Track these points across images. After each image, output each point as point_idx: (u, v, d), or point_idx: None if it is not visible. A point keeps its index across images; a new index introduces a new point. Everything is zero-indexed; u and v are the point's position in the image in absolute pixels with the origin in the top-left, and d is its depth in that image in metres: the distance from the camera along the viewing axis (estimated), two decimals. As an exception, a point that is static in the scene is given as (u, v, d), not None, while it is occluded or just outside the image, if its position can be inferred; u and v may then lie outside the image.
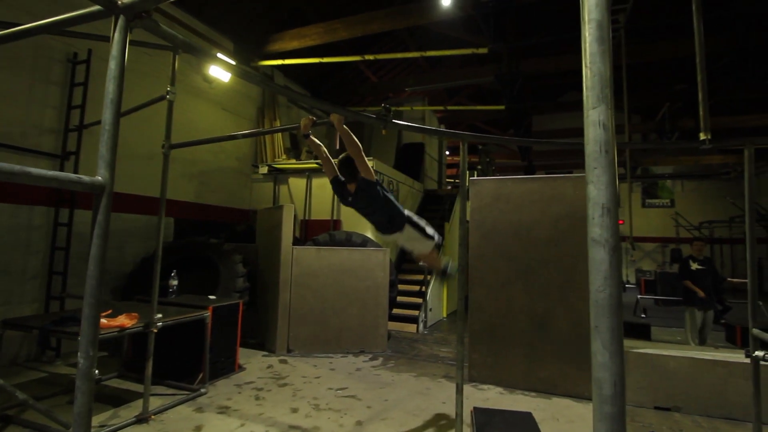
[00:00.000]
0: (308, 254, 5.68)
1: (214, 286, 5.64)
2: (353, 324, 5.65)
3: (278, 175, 8.05)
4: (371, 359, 5.32)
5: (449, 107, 10.15)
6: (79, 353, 1.36)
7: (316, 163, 7.60)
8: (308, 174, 7.78)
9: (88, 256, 1.39)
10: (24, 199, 4.83)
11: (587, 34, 0.82)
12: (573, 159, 15.91)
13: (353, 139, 2.93)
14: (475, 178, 4.85)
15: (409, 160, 10.09)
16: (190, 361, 4.23)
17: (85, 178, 1.35)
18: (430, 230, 3.20)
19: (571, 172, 16.76)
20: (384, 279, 5.80)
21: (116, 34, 1.44)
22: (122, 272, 5.86)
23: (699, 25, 2.84)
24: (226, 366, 4.51)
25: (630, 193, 17.61)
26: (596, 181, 0.76)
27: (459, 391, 2.75)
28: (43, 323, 3.28)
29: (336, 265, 5.70)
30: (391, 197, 3.11)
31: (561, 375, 4.27)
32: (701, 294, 5.61)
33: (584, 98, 0.81)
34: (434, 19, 7.12)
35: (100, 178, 1.39)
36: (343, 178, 3.16)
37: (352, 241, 6.23)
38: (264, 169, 7.97)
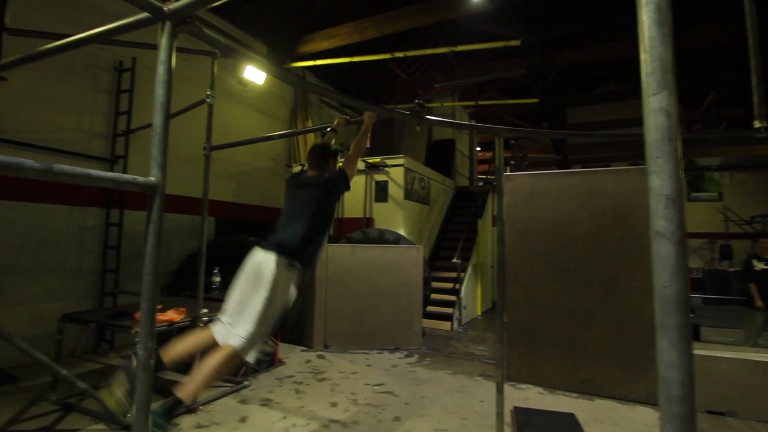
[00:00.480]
0: (342, 252, 5.75)
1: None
2: (388, 321, 5.68)
3: (311, 175, 8.19)
4: (406, 356, 5.33)
5: (480, 102, 9.98)
6: (138, 345, 1.43)
7: (348, 162, 7.67)
8: (340, 173, 7.86)
9: (137, 255, 1.48)
10: (77, 201, 5.15)
11: (645, 17, 0.79)
12: (610, 152, 15.29)
13: (367, 139, 2.88)
14: (510, 173, 4.75)
15: (440, 156, 10.00)
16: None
17: (140, 178, 1.42)
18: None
19: (609, 165, 16.13)
20: (418, 276, 5.79)
21: (164, 40, 1.51)
22: (168, 270, 6.14)
23: (751, 6, 2.67)
24: (267, 360, 4.64)
25: (674, 186, 16.78)
26: (659, 171, 0.73)
27: (499, 390, 2.71)
28: (99, 317, 3.49)
29: (370, 263, 5.74)
30: (326, 218, 2.53)
31: (604, 376, 4.12)
32: (759, 304, 5.26)
33: (643, 84, 0.78)
34: (464, 13, 7.02)
35: (153, 178, 1.46)
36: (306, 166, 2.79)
37: (385, 238, 6.25)
38: (297, 169, 8.11)
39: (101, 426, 3.22)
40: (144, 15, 1.52)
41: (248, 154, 7.71)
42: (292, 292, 2.51)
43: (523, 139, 12.17)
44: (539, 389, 4.28)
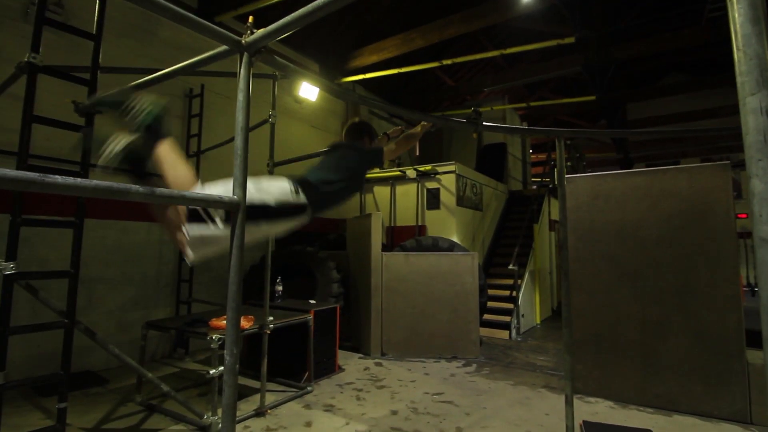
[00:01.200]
0: (397, 260, 5.80)
1: (312, 292, 6.02)
2: (444, 329, 5.64)
3: (364, 184, 8.36)
4: (464, 365, 5.25)
5: (532, 103, 9.70)
6: (225, 351, 1.53)
7: (399, 171, 7.76)
8: (392, 182, 7.96)
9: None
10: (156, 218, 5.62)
11: (736, 15, 0.77)
12: (677, 147, 14.22)
13: (416, 147, 2.83)
14: (570, 176, 4.58)
15: (491, 161, 9.83)
16: (297, 361, 4.56)
17: (225, 197, 1.55)
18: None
19: (677, 162, 14.99)
20: (473, 284, 5.71)
21: (242, 70, 1.64)
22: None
23: None
24: (328, 366, 4.77)
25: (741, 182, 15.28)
26: (761, 174, 0.70)
27: (569, 403, 2.60)
28: (179, 325, 3.79)
29: (424, 271, 5.74)
30: (348, 172, 2.30)
31: (683, 391, 3.81)
32: None
33: (739, 84, 0.75)
34: (512, 16, 6.90)
35: (236, 197, 1.59)
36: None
37: (439, 246, 6.23)
38: (350, 180, 8.33)
39: (182, 426, 3.47)
40: (224, 48, 1.67)
41: (304, 168, 8.01)
42: (279, 227, 2.08)
43: (581, 139, 11.64)
44: (609, 403, 4.04)
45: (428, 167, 7.52)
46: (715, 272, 3.77)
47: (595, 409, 3.91)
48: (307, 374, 4.34)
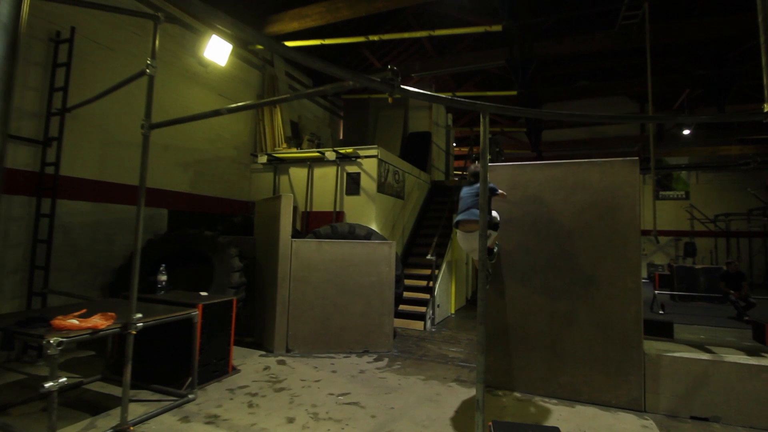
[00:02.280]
0: (308, 247, 5.29)
1: (209, 282, 5.28)
2: (357, 322, 5.27)
3: (278, 165, 7.66)
4: (376, 360, 4.95)
5: (458, 93, 9.67)
6: None
7: (318, 152, 7.21)
8: (309, 163, 7.38)
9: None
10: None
11: None
12: (585, 149, 15.39)
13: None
14: (492, 164, 4.42)
15: (416, 149, 9.65)
16: (179, 363, 3.87)
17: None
18: None
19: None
20: (389, 274, 5.41)
21: None
22: (111, 267, 5.52)
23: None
24: (219, 368, 4.15)
25: (642, 185, 17.15)
26: None
27: (479, 408, 2.34)
28: (8, 324, 2.92)
29: (338, 260, 5.31)
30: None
31: (585, 381, 3.86)
32: None
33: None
34: (443, -3, 6.65)
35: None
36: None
37: (356, 233, 5.84)
38: (263, 159, 7.58)
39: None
40: None
41: (208, 142, 7.11)
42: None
43: (499, 134, 11.98)
44: (517, 395, 3.98)
45: (349, 150, 7.07)
46: (620, 266, 3.83)
47: (504, 402, 3.82)
48: (190, 379, 3.69)
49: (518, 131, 12.07)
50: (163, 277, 4.37)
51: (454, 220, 3.82)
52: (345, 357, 5.03)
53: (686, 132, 10.90)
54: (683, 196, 16.10)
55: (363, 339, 5.27)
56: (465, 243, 3.83)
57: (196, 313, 3.67)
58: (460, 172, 12.51)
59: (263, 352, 5.10)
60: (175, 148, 6.48)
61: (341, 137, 10.85)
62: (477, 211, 3.51)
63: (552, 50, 7.69)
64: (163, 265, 4.43)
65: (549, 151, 15.26)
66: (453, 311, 8.08)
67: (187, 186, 6.71)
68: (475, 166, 3.91)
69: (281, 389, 3.91)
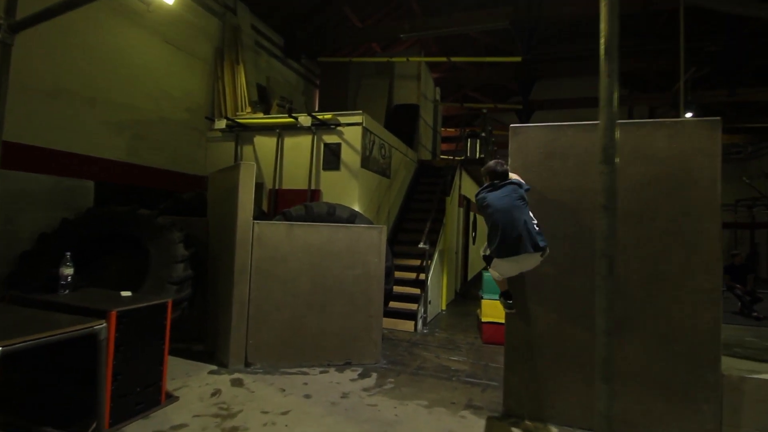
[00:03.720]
0: (276, 232, 4.12)
1: (144, 276, 4.05)
2: (337, 326, 4.18)
3: (241, 133, 6.36)
4: (361, 376, 3.89)
5: (453, 58, 8.56)
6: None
7: (291, 118, 5.96)
8: (279, 131, 6.13)
9: None
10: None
11: None
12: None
13: None
14: (519, 125, 3.37)
15: (402, 123, 8.52)
16: (84, 397, 2.68)
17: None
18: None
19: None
20: (379, 266, 4.33)
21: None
22: (11, 253, 4.17)
23: None
24: (145, 398, 2.96)
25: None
26: None
27: None
28: None
29: (315, 248, 4.17)
30: None
31: (641, 410, 2.94)
32: None
33: None
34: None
35: None
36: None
37: (336, 215, 4.70)
38: (222, 124, 6.26)
39: None
40: None
41: (151, 99, 5.72)
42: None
43: (489, 117, 10.98)
44: (553, 428, 3.02)
45: (328, 116, 5.87)
46: (692, 260, 2.90)
47: (536, 440, 2.85)
48: (94, 424, 2.50)
49: (512, 108, 11.15)
50: (68, 271, 3.10)
51: (504, 250, 2.84)
52: (322, 372, 3.94)
53: (689, 115, 10.31)
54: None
55: (345, 348, 4.20)
56: (516, 267, 2.97)
57: (103, 326, 2.47)
58: (450, 157, 11.50)
59: (215, 367, 3.94)
60: (106, 103, 5.09)
61: (317, 108, 9.57)
62: (541, 239, 2.79)
63: (564, 10, 6.68)
64: (68, 253, 3.15)
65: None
66: (444, 307, 7.13)
67: (122, 153, 5.34)
68: (496, 162, 3.05)
69: (233, 429, 2.79)
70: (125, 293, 3.20)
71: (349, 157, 5.82)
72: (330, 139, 5.92)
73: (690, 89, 9.91)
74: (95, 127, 5.00)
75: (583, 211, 3.15)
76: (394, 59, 8.56)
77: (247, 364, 3.97)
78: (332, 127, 5.87)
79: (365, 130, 5.90)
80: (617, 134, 2.38)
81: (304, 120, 5.78)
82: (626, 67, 9.96)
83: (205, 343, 4.50)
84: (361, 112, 5.89)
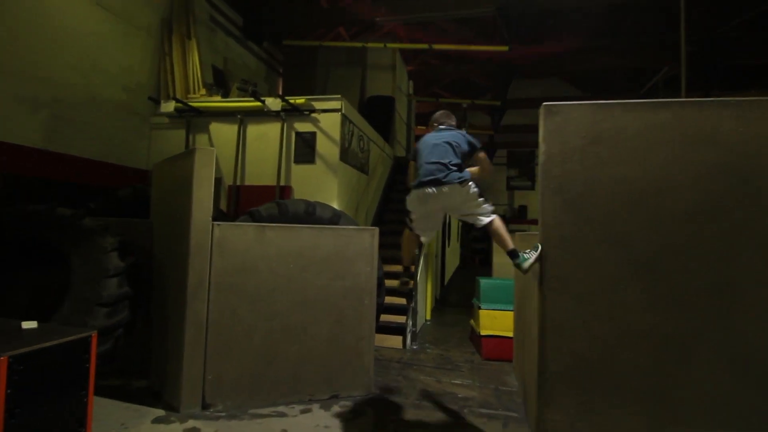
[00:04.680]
0: (242, 236, 3.26)
1: (64, 296, 3.04)
2: (321, 352, 3.38)
3: (193, 119, 5.36)
4: (354, 414, 3.12)
5: (435, 45, 7.97)
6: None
7: (256, 101, 5.06)
8: (241, 118, 5.21)
9: None
10: None
11: None
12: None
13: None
14: (554, 103, 2.77)
15: (377, 117, 7.77)
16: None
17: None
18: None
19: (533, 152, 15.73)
20: (371, 276, 3.58)
21: None
22: None
23: None
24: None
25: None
26: None
27: None
28: None
29: (293, 255, 3.35)
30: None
31: (712, 449, 2.40)
32: None
33: None
34: None
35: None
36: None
37: (317, 215, 3.89)
38: (169, 107, 5.23)
39: None
40: None
41: (80, 74, 4.62)
42: None
43: (468, 110, 10.52)
44: (604, 478, 2.42)
45: (301, 100, 5.04)
46: (770, 264, 2.41)
47: (593, 499, 2.22)
48: None
49: (488, 104, 10.79)
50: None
51: (414, 182, 2.80)
52: (304, 412, 3.13)
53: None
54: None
55: (330, 378, 3.40)
56: (432, 204, 2.78)
57: (-27, 388, 1.54)
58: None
59: (161, 412, 3.01)
60: (14, 73, 3.97)
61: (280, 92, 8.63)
62: (456, 174, 2.68)
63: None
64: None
65: (505, 134, 14.34)
66: (428, 317, 6.47)
67: (38, 138, 4.21)
68: (442, 112, 3.06)
69: None
70: (28, 324, 2.24)
71: (326, 148, 5.02)
72: (303, 127, 5.09)
73: (662, 89, 10.00)
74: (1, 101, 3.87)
75: (634, 206, 2.58)
76: (369, 44, 7.83)
77: (204, 406, 3.07)
78: (306, 113, 5.04)
79: (344, 118, 5.12)
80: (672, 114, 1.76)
81: (273, 104, 4.92)
82: (594, 65, 9.88)
83: (150, 378, 3.53)
84: (339, 96, 5.12)
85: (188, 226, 3.09)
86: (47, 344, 1.98)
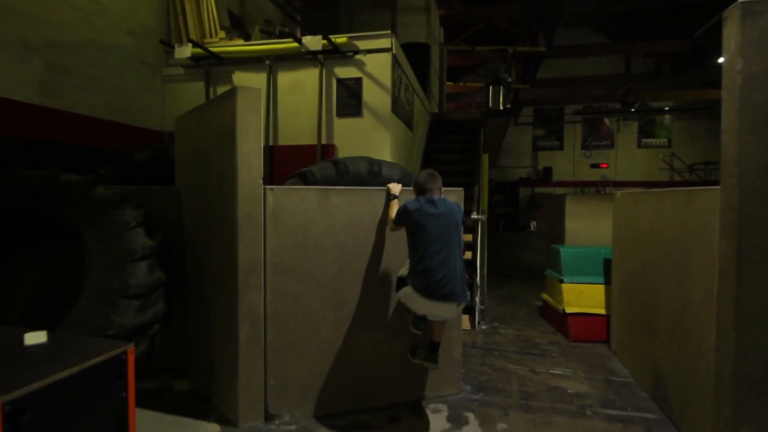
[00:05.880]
0: (301, 203, 2.52)
1: (79, 285, 2.37)
2: (401, 344, 2.71)
3: (213, 68, 4.51)
4: (454, 423, 2.48)
5: None
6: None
7: (290, 42, 4.20)
8: (270, 64, 4.35)
9: None
10: None
11: None
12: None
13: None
14: (758, -4, 1.92)
15: (411, 67, 6.85)
16: None
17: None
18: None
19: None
20: (459, 243, 2.85)
21: None
22: None
23: None
24: None
25: (617, 132, 15.97)
26: None
27: None
28: None
29: (365, 226, 2.62)
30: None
31: None
32: None
33: None
34: None
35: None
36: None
37: (384, 175, 3.09)
38: (185, 52, 4.37)
39: None
40: None
41: (77, 12, 3.76)
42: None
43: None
44: None
45: (342, 39, 4.17)
46: None
47: None
48: None
49: (536, 51, 9.70)
50: None
51: (426, 290, 2.20)
52: (391, 421, 2.50)
53: (721, 60, 9.25)
54: (666, 143, 15.13)
55: (413, 375, 2.75)
56: (431, 310, 2.30)
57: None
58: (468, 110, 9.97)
59: (215, 425, 2.38)
60: (2, 10, 3.14)
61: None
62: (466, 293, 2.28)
63: None
64: None
65: (534, 89, 13.25)
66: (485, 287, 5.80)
67: (31, 92, 3.42)
68: (427, 175, 2.40)
69: None
70: (34, 337, 1.54)
71: (375, 97, 4.19)
72: (346, 72, 4.23)
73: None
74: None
75: None
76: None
77: (268, 417, 2.45)
78: (349, 55, 4.18)
79: (395, 60, 4.25)
80: None
81: (312, 43, 4.05)
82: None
83: (192, 377, 2.91)
84: (389, 32, 4.23)
85: (233, 193, 2.36)
86: (62, 375, 1.29)
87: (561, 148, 15.99)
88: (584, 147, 15.76)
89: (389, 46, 4.17)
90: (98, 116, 3.95)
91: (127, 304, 2.29)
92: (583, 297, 4.01)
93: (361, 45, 4.21)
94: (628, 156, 15.54)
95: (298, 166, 3.86)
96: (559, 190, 16.75)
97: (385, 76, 4.16)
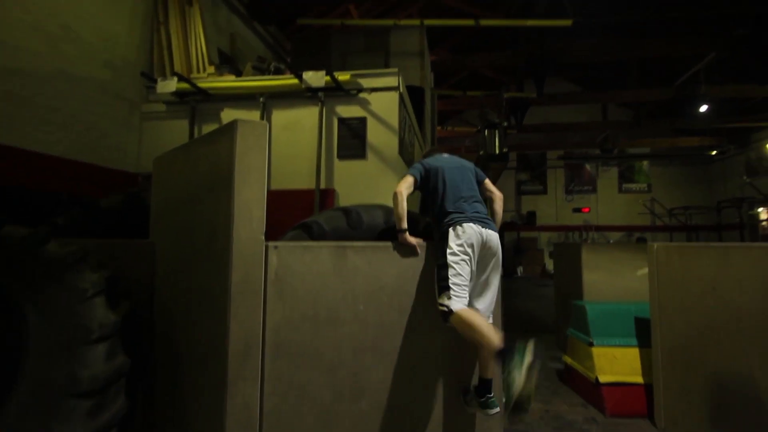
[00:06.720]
0: (312, 263, 2.02)
1: (12, 377, 1.75)
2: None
3: (200, 105, 4.08)
4: None
5: (482, 22, 6.84)
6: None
7: (288, 79, 3.85)
8: (264, 101, 3.96)
9: None
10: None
11: None
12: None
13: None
14: None
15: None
16: None
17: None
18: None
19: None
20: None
21: None
22: None
23: None
24: None
25: (597, 178, 16.27)
26: None
27: None
28: None
29: (390, 289, 2.13)
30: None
31: None
32: None
33: None
34: None
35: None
36: None
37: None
38: (170, 86, 3.91)
39: None
40: None
41: (46, 39, 3.31)
42: None
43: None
44: None
45: (346, 76, 3.85)
46: None
47: None
48: None
49: (525, 97, 9.80)
50: None
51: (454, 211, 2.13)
52: None
53: (703, 108, 9.53)
54: (645, 188, 15.45)
55: (450, 483, 2.16)
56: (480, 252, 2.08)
57: None
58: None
59: None
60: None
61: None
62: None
63: None
64: None
65: (519, 135, 13.42)
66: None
67: (-19, 126, 2.88)
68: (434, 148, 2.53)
69: None
70: None
71: (380, 138, 3.82)
72: (349, 111, 3.88)
73: (703, 78, 9.16)
74: None
75: None
76: (402, 22, 6.72)
77: None
78: (353, 93, 3.84)
79: (401, 100, 3.95)
80: None
81: (314, 79, 3.69)
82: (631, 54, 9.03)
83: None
84: (396, 70, 3.95)
85: (226, 251, 1.85)
86: None
87: (545, 192, 16.12)
88: (567, 192, 15.94)
89: (396, 84, 3.87)
90: (63, 155, 3.40)
91: (73, 406, 1.68)
92: (616, 362, 3.55)
93: (365, 83, 3.90)
94: (609, 201, 15.77)
95: (294, 213, 3.40)
96: (543, 235, 16.78)
97: (392, 116, 3.83)
